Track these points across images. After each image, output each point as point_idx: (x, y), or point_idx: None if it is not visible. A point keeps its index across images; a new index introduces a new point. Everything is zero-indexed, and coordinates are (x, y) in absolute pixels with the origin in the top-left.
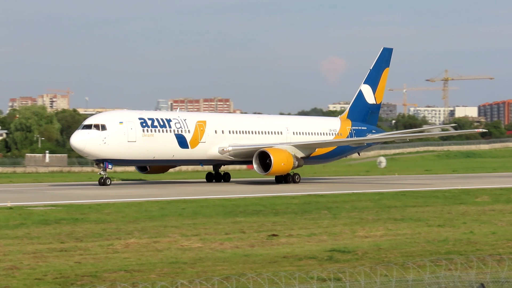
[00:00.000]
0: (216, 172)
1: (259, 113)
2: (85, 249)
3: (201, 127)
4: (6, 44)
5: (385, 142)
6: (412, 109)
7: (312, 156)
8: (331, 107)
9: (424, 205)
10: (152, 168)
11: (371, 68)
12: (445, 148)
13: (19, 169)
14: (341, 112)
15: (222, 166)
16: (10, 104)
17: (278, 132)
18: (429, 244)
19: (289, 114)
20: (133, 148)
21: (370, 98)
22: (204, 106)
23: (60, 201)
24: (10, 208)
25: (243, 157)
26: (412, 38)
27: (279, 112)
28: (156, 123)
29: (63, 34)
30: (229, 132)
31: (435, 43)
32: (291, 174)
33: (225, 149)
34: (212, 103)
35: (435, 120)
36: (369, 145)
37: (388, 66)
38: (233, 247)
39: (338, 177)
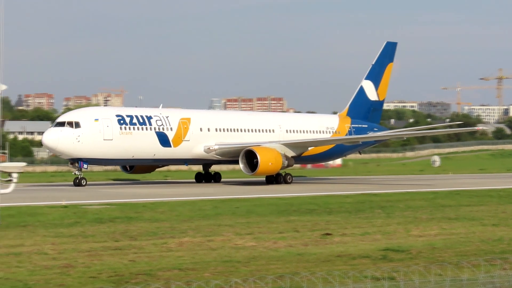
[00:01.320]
0: (206, 172)
1: (312, 112)
2: (139, 247)
3: (185, 124)
4: (61, 43)
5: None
6: (466, 108)
7: (305, 156)
8: (385, 106)
9: (478, 204)
10: (136, 168)
11: (373, 63)
12: (500, 146)
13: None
14: (396, 111)
15: (212, 166)
16: (65, 103)
17: (269, 130)
18: (483, 243)
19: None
20: (109, 146)
21: (372, 94)
22: (257, 105)
23: (114, 199)
24: (65, 206)
25: (231, 156)
26: (466, 37)
27: (332, 111)
28: (135, 120)
29: (117, 34)
30: (216, 130)
31: (489, 42)
32: (283, 174)
33: (211, 148)
34: (265, 102)
35: (489, 119)
36: (367, 144)
37: (392, 61)
38: (286, 246)
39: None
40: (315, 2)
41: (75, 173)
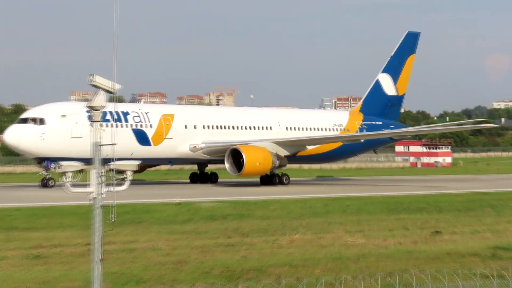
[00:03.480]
0: (202, 171)
1: (422, 112)
2: (251, 244)
3: (167, 121)
4: (174, 43)
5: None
6: None
7: (306, 155)
8: (496, 105)
9: None
10: None
11: (392, 55)
12: None
13: (186, 166)
14: (507, 110)
15: (208, 165)
16: (178, 102)
17: (266, 127)
18: None
19: (453, 112)
20: (78, 145)
21: (389, 89)
22: None
23: (226, 197)
24: (179, 204)
25: (219, 156)
26: None
27: (443, 110)
28: (108, 117)
29: (230, 34)
30: (203, 127)
31: None
32: (279, 174)
33: (197, 147)
34: None
35: None
36: (381, 142)
37: (413, 52)
38: (396, 243)
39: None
40: (427, 2)
41: (41, 173)
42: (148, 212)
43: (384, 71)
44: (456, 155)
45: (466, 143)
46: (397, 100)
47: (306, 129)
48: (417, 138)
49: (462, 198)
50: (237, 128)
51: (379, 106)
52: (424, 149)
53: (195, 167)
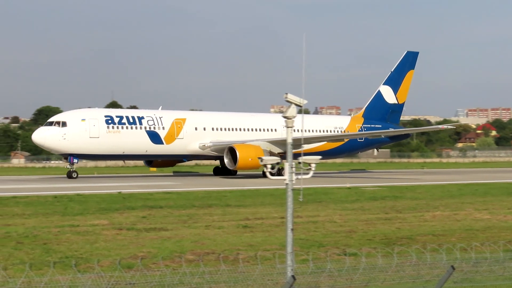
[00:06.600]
0: (223, 166)
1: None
2: (403, 218)
3: (178, 124)
4: (346, 70)
5: None
6: None
7: (310, 153)
8: None
9: None
10: (154, 163)
11: (392, 70)
12: None
13: (355, 160)
14: None
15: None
16: (348, 113)
17: (270, 129)
18: None
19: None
20: (96, 144)
21: (390, 98)
22: (491, 114)
23: (384, 183)
24: (349, 188)
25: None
26: None
27: None
28: (124, 121)
29: (384, 62)
30: (212, 129)
31: None
32: (280, 168)
33: (206, 145)
34: (497, 111)
35: None
36: (381, 142)
37: (413, 68)
38: None
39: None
40: None
41: (67, 167)
42: (326, 194)
43: (385, 83)
44: None
45: None
46: (398, 107)
47: (308, 130)
48: None
49: None
50: (243, 130)
51: (380, 112)
52: None
53: (216, 163)
